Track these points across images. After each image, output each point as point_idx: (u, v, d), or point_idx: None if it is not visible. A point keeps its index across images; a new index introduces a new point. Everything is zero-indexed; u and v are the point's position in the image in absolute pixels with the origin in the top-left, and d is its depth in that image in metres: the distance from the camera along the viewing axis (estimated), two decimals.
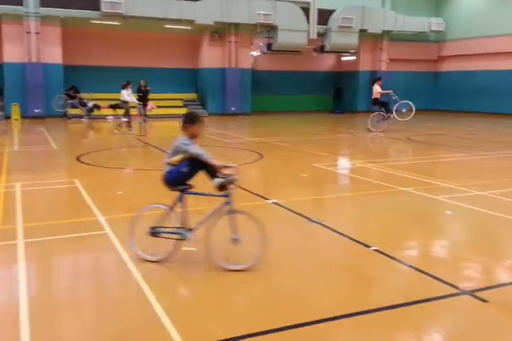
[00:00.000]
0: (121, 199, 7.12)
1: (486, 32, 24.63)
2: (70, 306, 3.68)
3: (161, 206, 4.64)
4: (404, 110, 16.83)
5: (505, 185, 7.93)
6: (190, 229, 4.49)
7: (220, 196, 4.37)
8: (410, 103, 16.73)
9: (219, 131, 16.97)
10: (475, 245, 5.20)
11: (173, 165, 4.46)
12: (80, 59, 22.00)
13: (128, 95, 15.15)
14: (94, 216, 5.91)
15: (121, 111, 16.10)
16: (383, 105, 16.61)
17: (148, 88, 16.39)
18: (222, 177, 4.30)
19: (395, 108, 16.62)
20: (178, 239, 4.47)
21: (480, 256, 4.75)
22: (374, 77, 17.47)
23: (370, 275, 4.29)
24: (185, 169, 4.39)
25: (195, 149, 4.33)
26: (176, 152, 4.44)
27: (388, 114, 16.40)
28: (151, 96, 16.67)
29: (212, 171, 4.39)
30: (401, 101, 16.59)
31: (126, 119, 15.48)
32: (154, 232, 4.51)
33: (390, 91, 16.46)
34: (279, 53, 24.40)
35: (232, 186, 4.31)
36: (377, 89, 16.71)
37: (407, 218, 6.13)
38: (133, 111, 15.80)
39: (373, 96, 16.90)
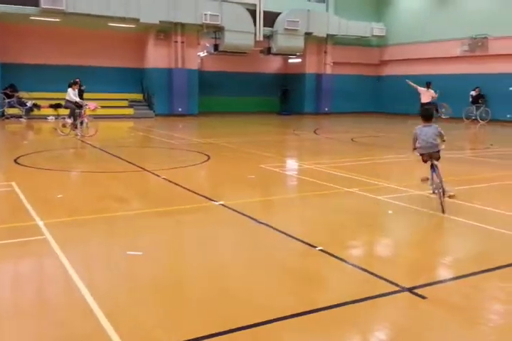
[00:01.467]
0: (61, 202, 6.86)
1: (425, 37, 25.68)
2: (9, 313, 3.50)
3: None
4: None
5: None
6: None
7: None
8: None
9: (166, 132, 16.76)
10: (415, 243, 5.41)
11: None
12: (19, 56, 21.04)
13: (75, 95, 14.56)
14: (32, 220, 5.66)
15: (65, 111, 15.47)
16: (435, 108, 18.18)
17: (82, 87, 15.83)
18: None
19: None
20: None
21: (420, 254, 4.94)
22: (427, 82, 19.11)
23: (315, 275, 4.36)
24: None
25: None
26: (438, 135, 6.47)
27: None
28: (95, 95, 16.19)
29: None
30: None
31: (70, 120, 14.87)
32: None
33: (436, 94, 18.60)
34: (225, 54, 24.39)
35: None
36: (432, 93, 18.53)
37: (352, 218, 6.28)
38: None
39: (426, 101, 18.37)
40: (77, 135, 14.33)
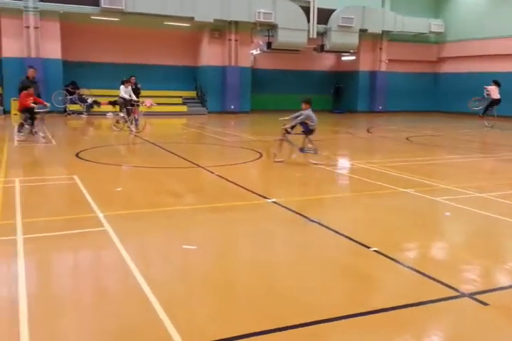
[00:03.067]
0: (119, 195, 7.10)
1: (486, 33, 24.66)
2: (69, 303, 3.67)
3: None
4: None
5: (502, 187, 7.95)
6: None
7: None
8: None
9: (218, 129, 16.96)
10: (474, 247, 5.21)
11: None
12: (79, 54, 21.92)
13: (126, 92, 15.03)
14: (93, 212, 5.89)
15: (119, 108, 16.01)
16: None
17: (138, 85, 16.23)
18: None
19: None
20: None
21: (480, 258, 4.75)
22: (495, 80, 19.59)
23: (369, 276, 4.28)
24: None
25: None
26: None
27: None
28: (150, 93, 16.61)
29: None
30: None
31: (122, 115, 15.37)
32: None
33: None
34: (278, 52, 24.38)
35: None
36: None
37: (407, 219, 6.14)
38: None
39: (497, 97, 18.84)
40: (131, 131, 14.76)
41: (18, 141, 12.28)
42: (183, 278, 4.17)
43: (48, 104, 13.20)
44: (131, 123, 15.07)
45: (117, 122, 15.66)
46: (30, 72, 12.92)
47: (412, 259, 4.74)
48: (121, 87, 15.09)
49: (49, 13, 19.77)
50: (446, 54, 27.70)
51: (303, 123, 9.71)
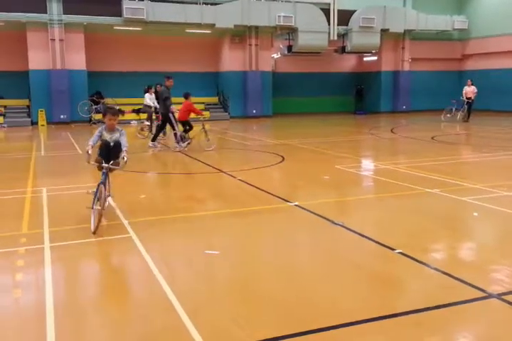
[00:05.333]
0: (144, 202, 7.19)
1: (510, 29, 24.11)
2: (94, 309, 3.73)
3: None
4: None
5: None
6: None
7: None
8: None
9: (240, 134, 17.02)
10: (502, 248, 5.07)
11: None
12: (104, 65, 22.34)
13: (150, 99, 15.27)
14: (118, 219, 5.97)
15: (144, 116, 16.23)
16: None
17: None
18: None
19: None
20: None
21: (507, 259, 4.63)
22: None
23: (395, 278, 4.22)
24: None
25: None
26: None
27: None
28: (173, 100, 16.74)
29: None
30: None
31: (148, 123, 15.57)
32: None
33: None
34: (299, 55, 24.34)
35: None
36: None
37: (433, 220, 6.03)
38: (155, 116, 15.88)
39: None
40: (163, 138, 14.92)
41: (179, 151, 12.24)
42: (206, 282, 4.19)
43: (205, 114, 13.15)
44: (151, 131, 15.27)
45: (142, 130, 15.88)
46: (169, 82, 13.31)
47: (438, 261, 4.66)
48: (146, 94, 15.31)
49: (73, 25, 20.25)
50: (471, 51, 27.18)
51: None
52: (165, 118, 12.92)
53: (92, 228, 5.39)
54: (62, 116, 20.59)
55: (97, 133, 5.91)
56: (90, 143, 5.68)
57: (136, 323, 3.47)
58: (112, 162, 5.74)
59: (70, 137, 16.16)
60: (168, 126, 13.38)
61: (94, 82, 21.28)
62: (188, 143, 12.47)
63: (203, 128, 12.73)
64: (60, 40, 20.15)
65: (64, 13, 19.95)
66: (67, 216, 6.34)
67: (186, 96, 12.86)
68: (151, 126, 15.42)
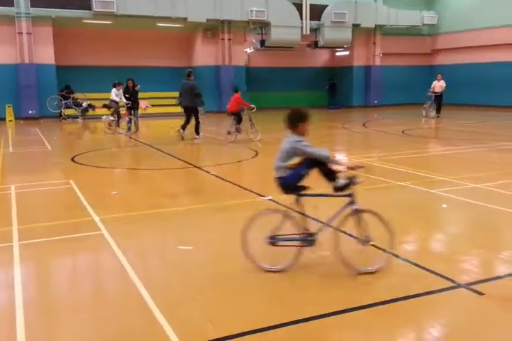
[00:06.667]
0: (115, 198, 7.10)
1: (478, 24, 24.62)
2: (66, 308, 3.67)
3: (274, 212, 4.42)
4: None
5: (498, 177, 7.94)
6: (312, 234, 4.25)
7: (343, 196, 4.24)
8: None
9: (215, 129, 16.93)
10: (471, 238, 5.21)
11: (290, 168, 4.26)
12: (73, 59, 21.88)
13: (116, 95, 15.24)
14: (89, 216, 5.89)
15: (111, 111, 16.10)
16: None
17: (136, 88, 16.20)
18: (347, 179, 4.20)
19: None
20: (301, 246, 4.20)
21: (476, 249, 4.76)
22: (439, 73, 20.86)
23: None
24: (304, 171, 4.25)
25: (318, 150, 4.23)
26: (291, 154, 4.29)
27: None
28: (145, 94, 16.59)
29: (329, 171, 4.27)
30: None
31: (113, 118, 15.57)
32: (274, 241, 4.19)
33: None
34: (272, 49, 24.36)
35: (354, 186, 4.18)
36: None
37: (404, 212, 6.13)
38: (122, 111, 15.73)
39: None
40: (126, 133, 14.87)
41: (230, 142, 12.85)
42: (179, 279, 4.16)
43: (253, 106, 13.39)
44: (118, 126, 15.32)
45: (110, 125, 15.74)
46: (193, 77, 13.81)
47: (408, 252, 4.75)
48: (113, 89, 15.23)
49: (41, 18, 19.74)
50: (440, 46, 27.67)
51: None
52: (194, 113, 13.42)
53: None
54: (30, 112, 20.11)
55: None
56: None
57: (109, 322, 3.43)
58: None
59: (39, 133, 15.81)
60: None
61: (63, 77, 20.83)
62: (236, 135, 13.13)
63: (250, 120, 13.35)
64: (28, 34, 19.64)
65: (31, 6, 19.44)
66: (36, 213, 6.22)
67: (236, 89, 13.18)
68: (117, 121, 15.40)
